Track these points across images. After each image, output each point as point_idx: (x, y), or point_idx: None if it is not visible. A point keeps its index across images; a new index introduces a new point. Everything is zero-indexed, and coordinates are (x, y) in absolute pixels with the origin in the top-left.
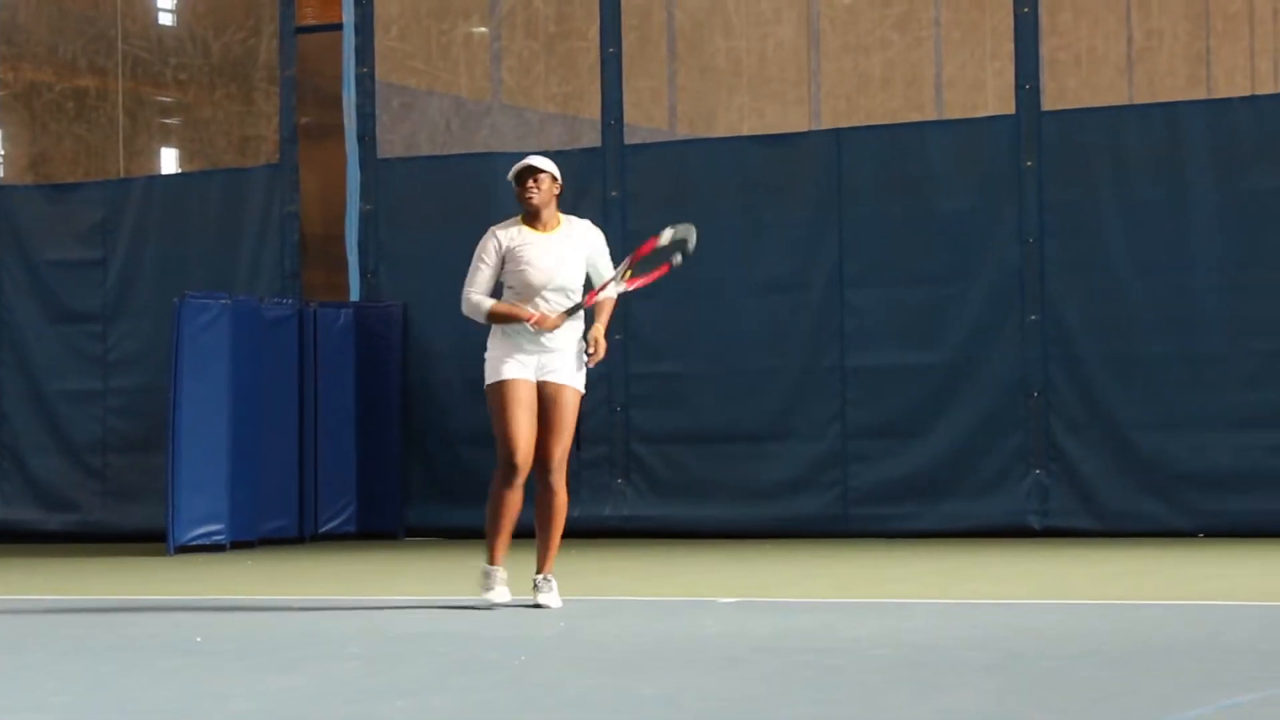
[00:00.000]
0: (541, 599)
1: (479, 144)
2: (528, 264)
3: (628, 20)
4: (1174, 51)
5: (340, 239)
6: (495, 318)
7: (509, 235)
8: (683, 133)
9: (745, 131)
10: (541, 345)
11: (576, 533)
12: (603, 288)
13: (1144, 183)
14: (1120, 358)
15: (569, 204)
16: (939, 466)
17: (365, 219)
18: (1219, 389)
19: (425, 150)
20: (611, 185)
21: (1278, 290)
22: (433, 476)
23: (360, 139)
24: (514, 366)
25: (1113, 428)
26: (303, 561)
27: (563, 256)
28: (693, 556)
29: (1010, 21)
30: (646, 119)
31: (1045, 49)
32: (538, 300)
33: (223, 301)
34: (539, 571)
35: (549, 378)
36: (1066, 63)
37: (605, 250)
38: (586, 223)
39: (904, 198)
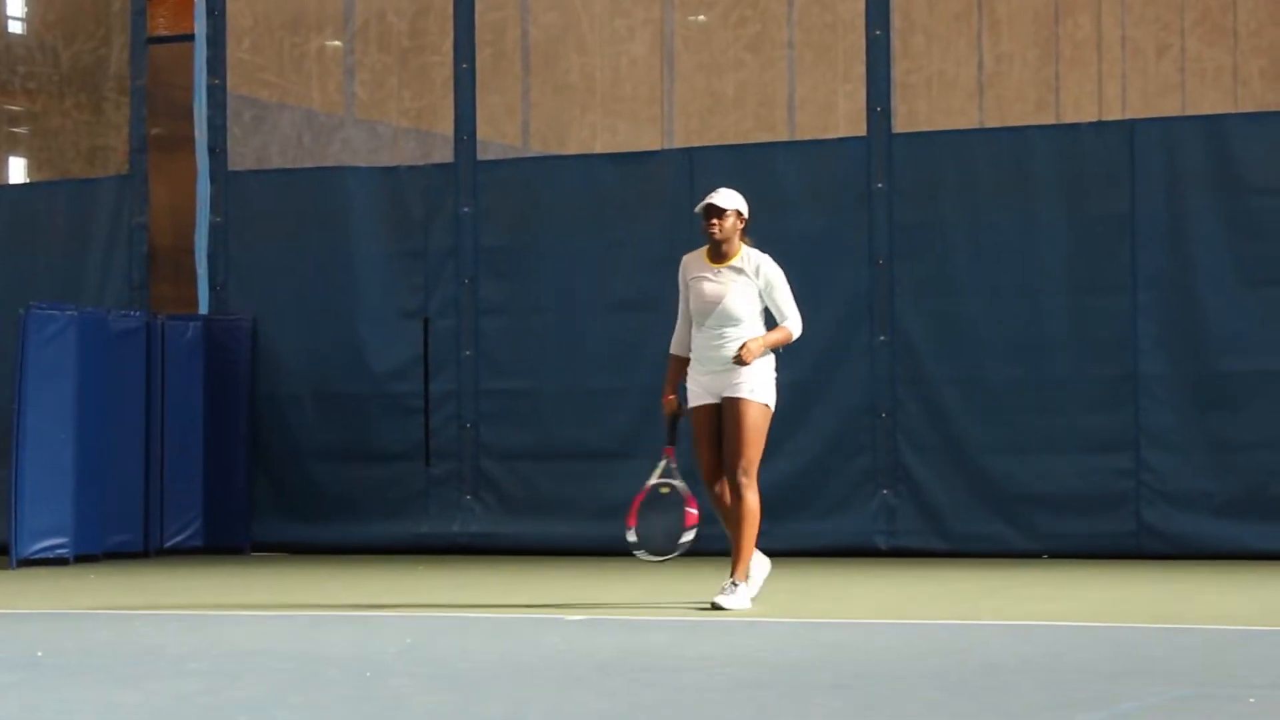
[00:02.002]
0: (718, 599)
1: (331, 158)
2: (700, 294)
3: (482, 36)
4: (1023, 77)
5: (190, 251)
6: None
7: (690, 263)
8: (535, 149)
9: (598, 149)
10: (723, 367)
11: (425, 549)
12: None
13: (992, 206)
14: (967, 380)
15: (419, 219)
16: (787, 486)
17: (215, 231)
18: (1064, 412)
19: (277, 163)
20: (464, 201)
21: (1122, 315)
22: (280, 491)
23: (211, 151)
24: (697, 395)
25: (959, 449)
26: (147, 576)
27: (730, 288)
28: (541, 573)
29: (862, 44)
30: (499, 135)
31: (897, 72)
32: (707, 326)
33: (69, 313)
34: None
35: (729, 394)
36: (917, 86)
37: (780, 282)
38: (763, 257)
39: (755, 217)
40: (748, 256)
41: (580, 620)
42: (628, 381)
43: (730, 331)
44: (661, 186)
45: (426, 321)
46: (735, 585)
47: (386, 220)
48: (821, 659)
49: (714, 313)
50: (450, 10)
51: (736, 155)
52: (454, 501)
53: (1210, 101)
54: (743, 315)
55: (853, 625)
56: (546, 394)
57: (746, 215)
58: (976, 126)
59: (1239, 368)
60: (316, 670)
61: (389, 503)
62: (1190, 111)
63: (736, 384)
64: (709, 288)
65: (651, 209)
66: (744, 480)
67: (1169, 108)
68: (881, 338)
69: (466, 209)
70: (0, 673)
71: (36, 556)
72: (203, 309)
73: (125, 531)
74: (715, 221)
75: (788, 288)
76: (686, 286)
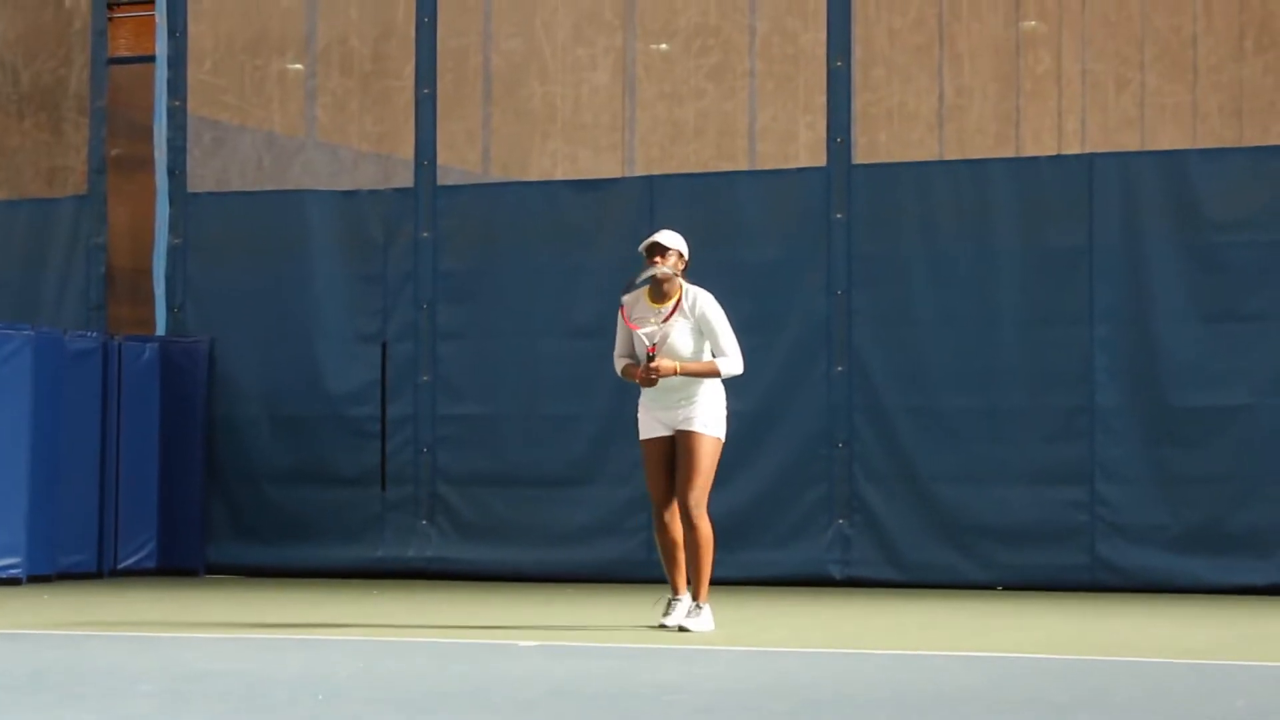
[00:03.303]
0: (686, 621)
1: (291, 181)
2: (640, 337)
3: (443, 61)
4: (984, 110)
5: (147, 272)
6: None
7: (635, 307)
8: (496, 175)
9: (559, 176)
10: (670, 405)
11: (380, 573)
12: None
13: (951, 237)
14: (924, 410)
15: (378, 243)
16: (742, 514)
17: (173, 253)
18: (1019, 443)
19: (236, 185)
20: (423, 226)
21: (1078, 346)
22: (235, 513)
23: (170, 172)
24: (648, 427)
25: (915, 480)
26: (100, 597)
27: (675, 329)
28: (495, 599)
29: (823, 75)
30: (460, 160)
31: (858, 103)
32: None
33: (25, 333)
34: (694, 598)
35: (682, 427)
36: (878, 117)
37: (717, 320)
38: (702, 294)
39: (715, 246)
40: (688, 294)
41: (534, 646)
42: (585, 408)
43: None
44: (621, 214)
45: (384, 346)
46: (699, 608)
47: (346, 244)
48: (773, 687)
49: (659, 352)
50: (412, 35)
51: (697, 184)
52: (409, 526)
53: (1169, 137)
54: (684, 352)
55: (805, 654)
56: (504, 420)
57: (687, 257)
58: (936, 158)
59: (1194, 402)
60: (268, 692)
61: (344, 526)
62: (1149, 146)
63: (689, 418)
64: (651, 329)
65: (611, 236)
66: (696, 511)
67: (1128, 142)
68: (839, 367)
69: (426, 234)
70: None
71: None
72: (160, 330)
73: (79, 552)
74: (658, 259)
75: (726, 325)
76: (627, 329)
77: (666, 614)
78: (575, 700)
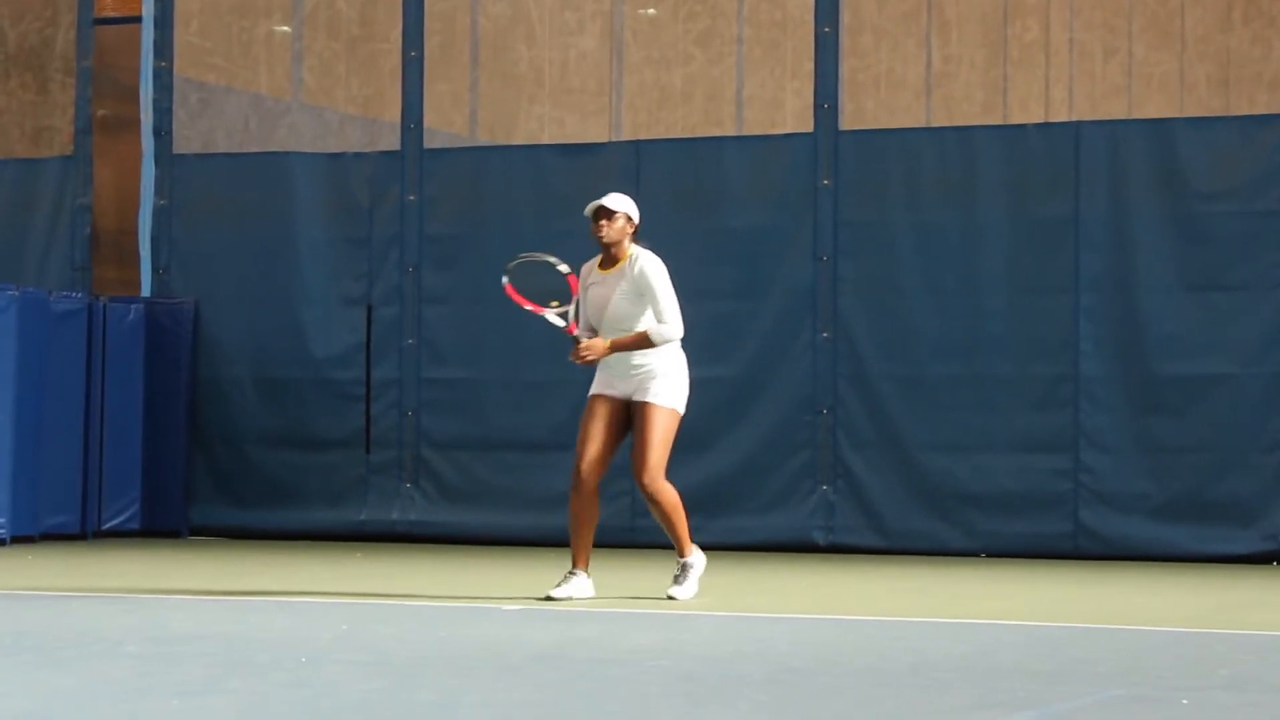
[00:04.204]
0: (670, 590)
1: (277, 143)
2: (591, 301)
3: (431, 24)
4: (971, 78)
5: (133, 234)
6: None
7: (586, 271)
8: (483, 139)
9: (545, 140)
10: (624, 373)
11: (363, 536)
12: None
13: (937, 205)
14: (908, 378)
15: (364, 206)
16: (726, 480)
17: (159, 214)
18: (1003, 412)
19: (222, 147)
20: (409, 189)
21: (1063, 315)
22: (219, 476)
23: (157, 133)
24: (602, 385)
25: (899, 447)
26: (83, 558)
27: (621, 293)
28: (479, 563)
29: (811, 41)
30: (447, 124)
31: (845, 70)
32: (602, 332)
33: (10, 293)
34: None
35: (637, 397)
36: (865, 84)
37: (656, 282)
38: (646, 256)
39: (700, 212)
40: (633, 258)
41: (516, 610)
42: (568, 374)
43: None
44: (608, 178)
45: (369, 309)
46: (686, 567)
47: (331, 207)
48: (755, 653)
49: (604, 319)
50: None
51: (683, 149)
52: (393, 489)
53: (1156, 106)
54: (628, 319)
55: (787, 620)
56: (487, 384)
57: (637, 220)
58: (924, 125)
59: (1179, 371)
60: (251, 655)
61: (328, 489)
62: (1136, 115)
63: (644, 388)
64: (596, 293)
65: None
66: (653, 486)
67: (1115, 111)
68: (824, 334)
69: (412, 197)
70: None
71: None
72: (145, 292)
73: (62, 513)
74: (604, 223)
75: (667, 288)
76: (585, 293)
77: (560, 585)
78: (557, 665)
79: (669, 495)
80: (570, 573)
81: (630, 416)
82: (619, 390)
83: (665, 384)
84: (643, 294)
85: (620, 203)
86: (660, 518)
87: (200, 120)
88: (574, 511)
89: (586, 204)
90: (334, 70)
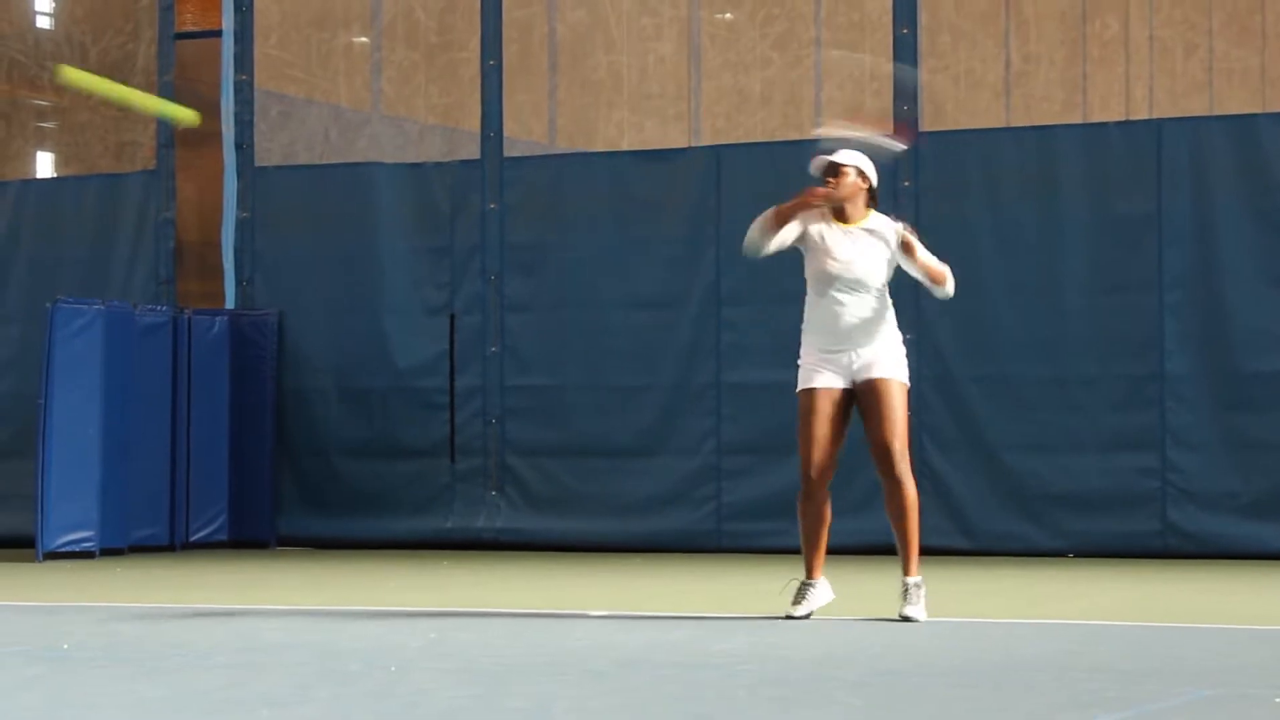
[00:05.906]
0: (906, 610)
1: (357, 154)
2: (826, 253)
3: (509, 33)
4: (1050, 76)
5: (216, 246)
6: (780, 215)
7: (815, 224)
8: (562, 146)
9: (624, 146)
10: (851, 344)
11: (449, 544)
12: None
13: (1018, 204)
14: (992, 378)
15: (445, 215)
16: None
17: (241, 226)
18: (1087, 411)
19: (303, 159)
20: (490, 197)
21: (1146, 313)
22: (305, 486)
23: (238, 146)
24: (821, 375)
25: (984, 448)
26: (172, 570)
27: (862, 251)
28: (564, 570)
29: (889, 42)
30: (526, 132)
31: (923, 71)
32: (832, 293)
33: (96, 307)
34: (905, 574)
35: (865, 375)
36: (944, 84)
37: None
38: (890, 220)
39: None
40: (875, 219)
41: (603, 616)
42: (652, 379)
43: (853, 300)
44: (687, 184)
45: (452, 317)
46: (917, 587)
47: (413, 216)
48: (844, 656)
49: (842, 276)
50: (477, 7)
51: (763, 153)
52: (478, 497)
53: (1237, 101)
54: (868, 277)
55: (875, 623)
56: (571, 390)
57: (874, 180)
58: (1003, 125)
59: (1265, 367)
60: (340, 665)
61: (414, 498)
62: (1217, 111)
63: (871, 364)
64: (838, 247)
65: (677, 206)
66: (902, 464)
67: (1196, 107)
68: (908, 336)
69: (492, 205)
70: (26, 665)
71: (62, 550)
72: (229, 304)
73: (150, 525)
74: (832, 180)
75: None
76: (822, 239)
77: (797, 602)
78: (646, 670)
79: (914, 488)
80: (807, 583)
81: (851, 403)
82: (839, 373)
83: (895, 358)
84: (891, 257)
85: (851, 157)
86: (898, 513)
87: (281, 132)
88: (805, 519)
89: (666, 209)
90: (413, 80)
